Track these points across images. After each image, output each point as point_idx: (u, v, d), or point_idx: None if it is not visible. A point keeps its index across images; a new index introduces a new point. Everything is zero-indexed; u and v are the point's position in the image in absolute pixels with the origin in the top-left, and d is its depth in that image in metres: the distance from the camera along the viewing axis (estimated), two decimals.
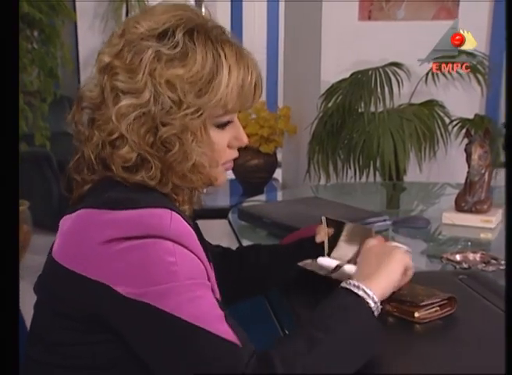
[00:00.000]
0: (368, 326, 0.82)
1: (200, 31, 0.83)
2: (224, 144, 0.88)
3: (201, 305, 0.77)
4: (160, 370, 0.79)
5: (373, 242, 0.98)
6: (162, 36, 0.82)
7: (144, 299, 0.76)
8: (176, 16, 0.84)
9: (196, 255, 0.80)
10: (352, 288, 0.84)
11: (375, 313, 0.84)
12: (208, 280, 0.83)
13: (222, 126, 0.87)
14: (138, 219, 0.78)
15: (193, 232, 0.81)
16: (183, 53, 0.82)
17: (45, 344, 0.85)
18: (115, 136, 0.81)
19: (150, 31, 0.83)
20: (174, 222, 0.78)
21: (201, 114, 0.83)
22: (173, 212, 0.79)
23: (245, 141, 0.91)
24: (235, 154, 0.91)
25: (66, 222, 0.84)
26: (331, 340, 0.78)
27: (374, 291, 0.84)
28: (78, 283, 0.79)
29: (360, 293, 0.83)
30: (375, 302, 0.84)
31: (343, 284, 0.86)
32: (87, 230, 0.80)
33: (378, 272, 0.88)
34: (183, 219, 0.80)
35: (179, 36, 0.82)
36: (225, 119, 0.87)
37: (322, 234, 1.09)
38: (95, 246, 0.78)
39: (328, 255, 1.07)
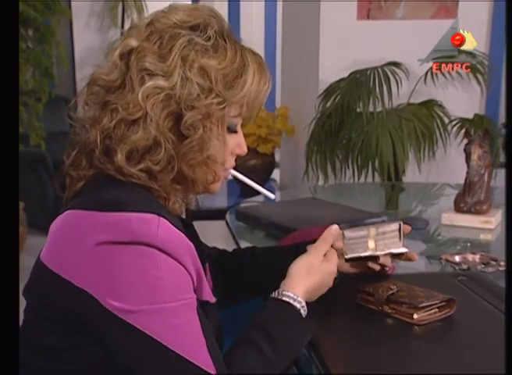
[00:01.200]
0: (298, 330, 0.88)
1: (227, 32, 0.87)
2: (230, 149, 0.90)
3: (185, 332, 0.78)
4: None
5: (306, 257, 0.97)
6: (195, 28, 0.85)
7: (128, 319, 0.75)
8: (204, 15, 0.87)
9: (182, 265, 0.79)
10: (285, 299, 0.90)
11: (302, 313, 0.90)
12: (198, 287, 0.83)
13: (232, 128, 0.89)
14: (125, 224, 0.77)
15: (182, 236, 0.80)
16: (215, 46, 0.84)
17: (36, 349, 0.83)
18: (136, 116, 0.81)
19: (182, 23, 0.85)
20: (161, 228, 0.77)
21: (224, 107, 0.84)
22: (161, 218, 0.78)
23: (245, 149, 0.93)
24: (233, 162, 0.93)
25: (55, 223, 0.83)
26: (275, 353, 0.83)
27: (299, 293, 0.91)
28: (63, 288, 0.78)
29: (285, 299, 0.89)
30: (302, 306, 0.90)
31: (275, 295, 0.91)
32: (74, 232, 0.79)
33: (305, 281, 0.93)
34: (172, 224, 0.79)
35: (210, 31, 0.85)
36: (237, 121, 0.89)
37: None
38: (81, 250, 0.77)
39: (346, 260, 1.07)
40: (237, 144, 0.91)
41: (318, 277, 0.94)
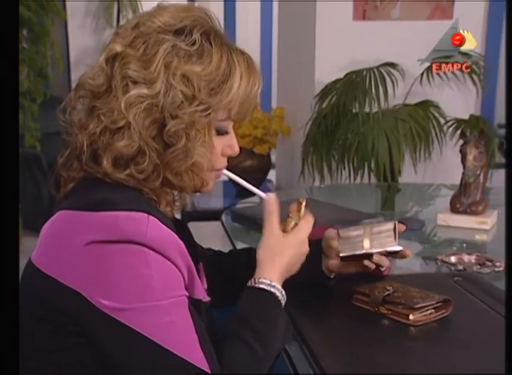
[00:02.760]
0: (279, 316, 0.88)
1: (216, 34, 0.85)
2: (219, 150, 0.89)
3: (177, 329, 0.77)
4: None
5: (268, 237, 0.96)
6: (180, 32, 0.83)
7: (119, 317, 0.75)
8: (192, 15, 0.85)
9: (173, 262, 0.79)
10: (261, 286, 0.90)
11: (282, 300, 0.90)
12: (190, 285, 0.83)
13: (221, 131, 0.88)
14: (114, 223, 0.76)
15: (172, 234, 0.80)
16: (200, 51, 0.83)
17: (28, 351, 0.83)
18: (119, 124, 0.80)
19: (167, 26, 0.83)
20: (151, 226, 0.77)
21: (209, 113, 0.83)
22: (150, 216, 0.78)
23: (237, 150, 0.92)
24: (225, 162, 0.92)
25: (46, 224, 0.83)
26: (262, 346, 0.83)
27: (273, 278, 0.90)
28: (53, 288, 0.78)
29: (261, 286, 0.90)
30: (279, 290, 0.90)
31: (250, 284, 0.91)
32: (64, 232, 0.79)
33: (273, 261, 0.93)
34: (162, 222, 0.79)
35: (196, 35, 0.83)
36: (226, 124, 0.88)
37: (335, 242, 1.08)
38: (71, 250, 0.77)
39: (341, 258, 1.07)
40: (228, 145, 0.90)
41: (285, 255, 0.93)
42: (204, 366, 0.77)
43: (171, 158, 0.83)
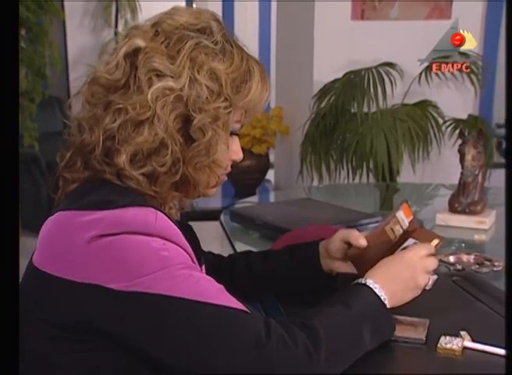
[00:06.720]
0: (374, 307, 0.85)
1: (232, 38, 0.87)
2: (229, 153, 0.90)
3: (199, 281, 0.76)
4: (174, 364, 0.74)
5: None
6: (202, 31, 0.84)
7: (138, 289, 0.72)
8: (208, 18, 0.87)
9: (185, 250, 0.78)
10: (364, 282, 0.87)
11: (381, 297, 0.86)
12: None
13: (234, 132, 0.88)
14: (121, 217, 0.75)
15: (179, 232, 0.79)
16: (223, 50, 0.84)
17: (29, 358, 0.80)
18: (144, 117, 0.80)
19: (189, 25, 0.84)
20: (159, 220, 0.76)
21: (230, 111, 0.84)
22: (158, 212, 0.77)
23: (241, 156, 0.93)
24: (229, 168, 0.93)
25: (45, 226, 0.81)
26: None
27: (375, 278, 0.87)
28: (64, 289, 0.76)
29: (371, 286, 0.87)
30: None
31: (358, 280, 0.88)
32: (68, 232, 0.77)
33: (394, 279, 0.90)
34: (169, 219, 0.78)
35: (217, 36, 0.84)
36: (237, 126, 0.89)
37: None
38: (78, 247, 0.75)
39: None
40: (234, 149, 0.91)
41: (394, 265, 0.92)
42: (239, 305, 0.76)
43: (194, 153, 0.82)
